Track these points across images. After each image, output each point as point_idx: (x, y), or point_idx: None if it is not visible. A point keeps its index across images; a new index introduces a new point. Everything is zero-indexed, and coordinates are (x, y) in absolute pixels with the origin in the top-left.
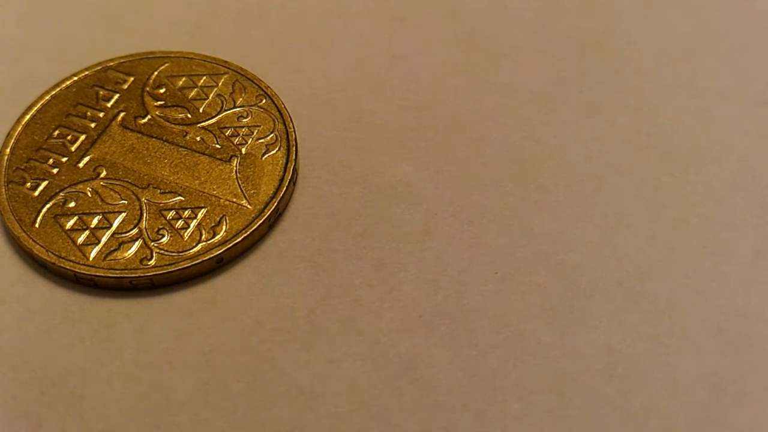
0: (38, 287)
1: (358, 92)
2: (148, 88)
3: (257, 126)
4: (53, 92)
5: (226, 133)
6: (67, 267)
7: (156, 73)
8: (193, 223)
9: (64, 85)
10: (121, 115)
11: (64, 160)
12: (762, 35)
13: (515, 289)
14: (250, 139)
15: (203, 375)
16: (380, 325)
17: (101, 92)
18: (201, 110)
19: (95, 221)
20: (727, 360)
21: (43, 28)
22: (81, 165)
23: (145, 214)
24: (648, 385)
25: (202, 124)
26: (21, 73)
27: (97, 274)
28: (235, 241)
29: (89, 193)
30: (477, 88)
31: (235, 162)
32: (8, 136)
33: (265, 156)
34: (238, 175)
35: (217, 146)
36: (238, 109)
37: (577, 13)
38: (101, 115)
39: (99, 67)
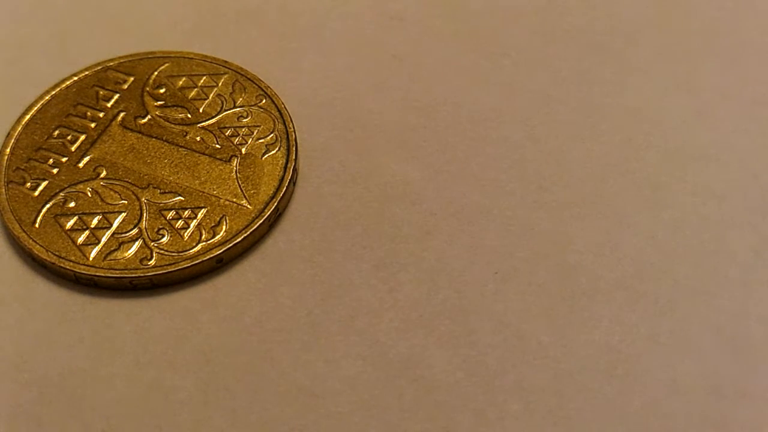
0: (38, 287)
1: (358, 92)
2: (148, 88)
3: (257, 126)
4: (53, 92)
5: (226, 133)
6: (67, 267)
7: (156, 73)
8: (193, 223)
9: (64, 85)
10: (121, 115)
11: (64, 160)
12: (762, 35)
13: (515, 289)
14: (250, 139)
15: (203, 375)
16: (380, 325)
17: (101, 92)
18: (201, 110)
19: (95, 221)
20: (727, 360)
21: (43, 28)
22: (81, 165)
23: (145, 214)
24: (648, 385)
25: (202, 124)
26: (21, 73)
27: (97, 274)
28: (235, 241)
29: (89, 193)
30: (477, 88)
31: (235, 162)
32: (8, 136)
33: (265, 156)
34: (238, 175)
35: (217, 146)
36: (238, 109)
37: (577, 13)
38: (101, 115)
39: (99, 67)
